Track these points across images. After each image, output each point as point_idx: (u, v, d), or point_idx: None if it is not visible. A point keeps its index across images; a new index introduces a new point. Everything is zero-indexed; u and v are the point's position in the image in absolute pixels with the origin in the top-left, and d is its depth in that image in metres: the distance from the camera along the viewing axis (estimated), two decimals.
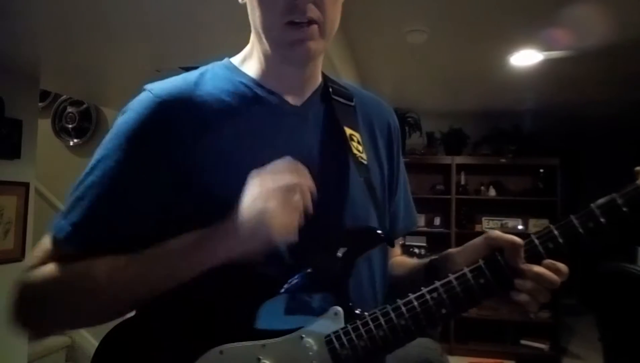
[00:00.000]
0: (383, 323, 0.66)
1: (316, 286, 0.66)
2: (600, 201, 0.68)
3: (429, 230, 4.66)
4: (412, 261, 0.90)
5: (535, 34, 2.71)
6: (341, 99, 0.83)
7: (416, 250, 4.54)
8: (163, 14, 1.88)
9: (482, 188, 4.73)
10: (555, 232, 0.68)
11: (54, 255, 0.69)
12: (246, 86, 0.77)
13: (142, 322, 0.68)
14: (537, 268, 0.67)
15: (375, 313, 0.67)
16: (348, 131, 0.79)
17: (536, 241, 0.69)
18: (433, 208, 4.75)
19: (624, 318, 2.28)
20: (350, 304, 0.68)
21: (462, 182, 4.75)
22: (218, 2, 1.71)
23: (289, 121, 0.77)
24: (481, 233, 0.74)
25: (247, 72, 0.79)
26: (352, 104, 0.84)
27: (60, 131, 3.80)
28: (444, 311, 0.67)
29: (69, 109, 3.77)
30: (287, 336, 0.66)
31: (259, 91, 0.77)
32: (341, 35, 2.73)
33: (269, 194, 0.63)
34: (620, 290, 2.30)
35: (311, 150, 0.76)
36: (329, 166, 0.77)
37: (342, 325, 0.66)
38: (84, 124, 3.76)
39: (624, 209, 0.67)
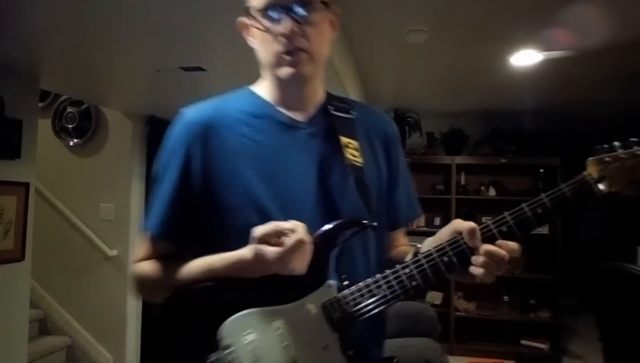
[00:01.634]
0: (366, 292, 0.87)
1: (315, 264, 0.86)
2: (551, 191, 0.82)
3: (429, 229, 4.65)
4: (409, 249, 1.05)
5: (535, 34, 2.71)
6: (340, 114, 1.02)
7: None
8: (163, 14, 1.88)
9: (482, 188, 4.73)
10: (508, 217, 0.84)
11: (147, 246, 0.99)
12: (263, 108, 0.99)
13: (190, 295, 0.92)
14: (489, 246, 0.83)
15: (360, 285, 0.87)
16: (345, 140, 0.98)
17: (491, 226, 0.85)
18: (433, 208, 4.76)
19: (624, 318, 2.28)
20: (342, 278, 0.89)
21: (462, 182, 4.75)
22: (218, 2, 1.71)
23: (300, 135, 0.98)
24: None
25: (263, 96, 1.01)
26: (352, 116, 1.03)
27: (60, 131, 3.80)
28: (414, 283, 0.85)
29: (69, 109, 3.77)
30: (294, 303, 0.87)
31: (272, 111, 0.99)
32: (341, 36, 2.73)
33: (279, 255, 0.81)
34: (620, 290, 2.30)
35: (316, 158, 0.97)
36: (328, 169, 0.97)
37: (335, 294, 0.87)
38: (84, 124, 3.75)
39: (569, 197, 0.83)
